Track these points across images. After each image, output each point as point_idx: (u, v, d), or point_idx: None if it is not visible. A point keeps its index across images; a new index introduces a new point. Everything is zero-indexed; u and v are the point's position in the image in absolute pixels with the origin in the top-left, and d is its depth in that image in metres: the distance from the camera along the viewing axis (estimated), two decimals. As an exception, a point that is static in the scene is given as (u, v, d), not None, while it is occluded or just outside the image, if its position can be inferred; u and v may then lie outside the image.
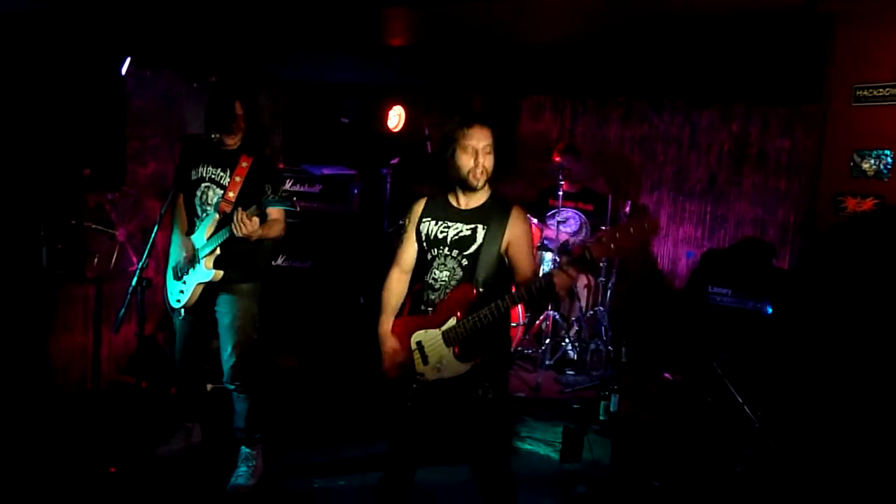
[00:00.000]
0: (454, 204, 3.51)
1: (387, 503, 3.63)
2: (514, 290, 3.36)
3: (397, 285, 3.65)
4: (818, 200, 4.16)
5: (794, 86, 6.12)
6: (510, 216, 3.44)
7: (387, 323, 3.59)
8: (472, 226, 3.45)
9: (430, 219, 3.55)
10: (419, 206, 3.61)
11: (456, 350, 3.38)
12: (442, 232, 3.49)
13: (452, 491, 4.56)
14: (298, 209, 4.14)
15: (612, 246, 3.04)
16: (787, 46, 4.88)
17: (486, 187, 3.48)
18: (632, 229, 3.02)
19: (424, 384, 3.47)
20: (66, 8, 4.64)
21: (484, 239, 3.41)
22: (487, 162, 3.40)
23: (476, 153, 3.38)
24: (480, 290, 3.35)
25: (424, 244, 3.54)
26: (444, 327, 3.40)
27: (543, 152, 7.51)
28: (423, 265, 3.56)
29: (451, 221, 3.49)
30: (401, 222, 3.74)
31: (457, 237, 3.45)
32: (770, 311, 5.63)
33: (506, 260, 3.45)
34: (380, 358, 3.58)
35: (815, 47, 4.29)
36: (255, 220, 4.05)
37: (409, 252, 3.63)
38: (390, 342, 3.53)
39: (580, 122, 7.77)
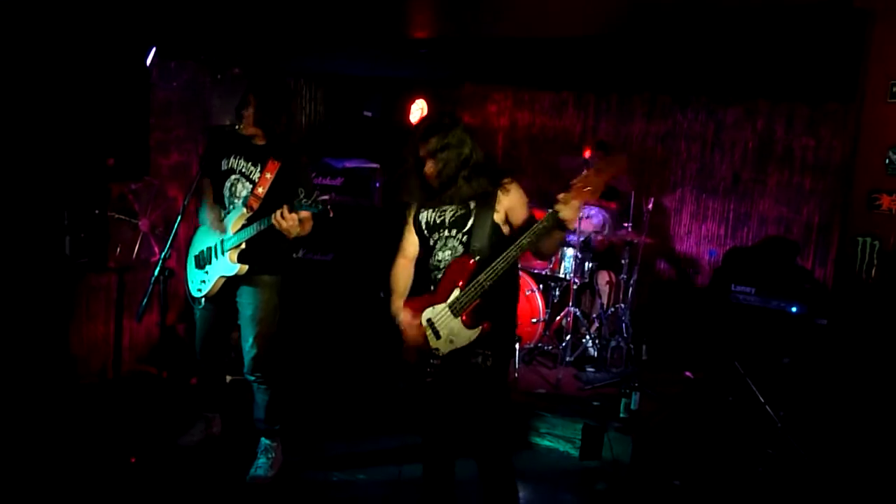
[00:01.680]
0: (449, 194, 3.59)
1: (431, 496, 3.79)
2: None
3: (402, 271, 3.83)
4: (852, 197, 4.10)
5: (821, 83, 6.06)
6: (501, 186, 3.55)
7: (397, 302, 3.74)
8: (465, 205, 3.56)
9: (425, 208, 3.68)
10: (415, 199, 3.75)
11: (464, 318, 3.48)
12: (439, 217, 3.61)
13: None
14: (332, 215, 4.16)
15: (585, 187, 3.23)
16: (817, 42, 4.82)
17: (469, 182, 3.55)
18: (600, 165, 3.28)
19: (442, 359, 3.57)
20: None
21: (475, 212, 3.53)
22: (430, 168, 3.54)
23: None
24: (477, 258, 3.46)
25: (426, 232, 3.66)
26: (450, 299, 3.50)
27: (567, 148, 7.50)
28: (427, 252, 3.68)
29: (445, 206, 3.60)
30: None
31: (454, 218, 3.57)
32: (795, 310, 5.58)
33: (504, 230, 3.56)
34: (399, 348, 3.68)
35: (848, 43, 4.23)
36: (295, 216, 4.09)
37: (409, 241, 3.79)
38: (404, 315, 3.66)
39: (603, 119, 7.74)
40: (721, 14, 4.40)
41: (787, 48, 5.18)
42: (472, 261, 3.45)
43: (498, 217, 3.53)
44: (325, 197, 4.08)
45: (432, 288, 3.61)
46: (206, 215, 4.58)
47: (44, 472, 4.41)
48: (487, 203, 3.52)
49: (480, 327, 3.45)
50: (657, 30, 5.00)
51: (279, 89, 4.51)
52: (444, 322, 3.52)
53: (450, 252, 3.55)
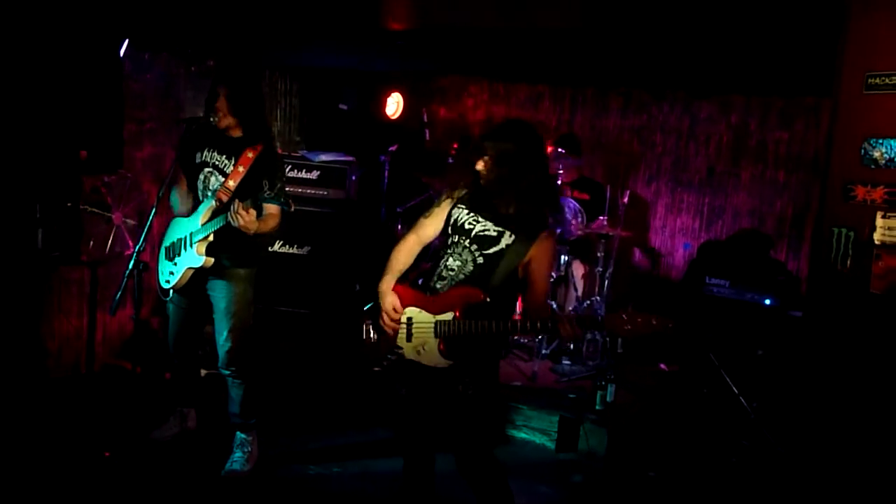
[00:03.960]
0: (494, 203, 3.47)
1: (410, 489, 3.78)
2: (519, 316, 3.37)
3: (408, 251, 3.65)
4: (827, 189, 4.14)
5: (796, 77, 6.10)
6: (540, 235, 3.42)
7: (388, 282, 3.58)
8: (501, 229, 3.43)
9: (465, 207, 3.52)
10: (462, 191, 3.58)
11: (441, 345, 3.39)
12: (470, 224, 3.47)
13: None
14: (293, 209, 4.12)
15: (627, 327, 3.18)
16: (793, 36, 4.86)
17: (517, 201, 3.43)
18: (654, 321, 3.16)
19: (400, 358, 3.50)
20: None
21: (508, 247, 3.40)
22: (492, 172, 3.42)
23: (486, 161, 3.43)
24: (488, 298, 3.34)
25: (449, 228, 3.53)
26: (439, 318, 3.40)
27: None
28: (441, 248, 3.56)
29: (483, 218, 3.47)
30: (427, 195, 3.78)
31: (482, 233, 3.44)
32: (768, 303, 5.63)
33: (519, 273, 3.45)
34: (364, 326, 3.69)
35: (824, 36, 4.27)
36: (252, 212, 4.00)
37: (432, 226, 3.62)
38: (390, 298, 3.53)
39: (579, 112, 7.75)
40: (698, 6, 4.42)
41: (762, 42, 5.20)
42: (482, 296, 3.33)
43: (522, 261, 3.41)
44: (290, 176, 4.02)
45: (430, 291, 3.50)
46: (177, 204, 4.54)
47: (16, 467, 4.37)
48: (523, 243, 3.39)
49: (451, 362, 3.38)
50: (633, 23, 5.01)
51: (248, 76, 4.47)
52: (421, 332, 3.43)
53: (459, 264, 3.43)
